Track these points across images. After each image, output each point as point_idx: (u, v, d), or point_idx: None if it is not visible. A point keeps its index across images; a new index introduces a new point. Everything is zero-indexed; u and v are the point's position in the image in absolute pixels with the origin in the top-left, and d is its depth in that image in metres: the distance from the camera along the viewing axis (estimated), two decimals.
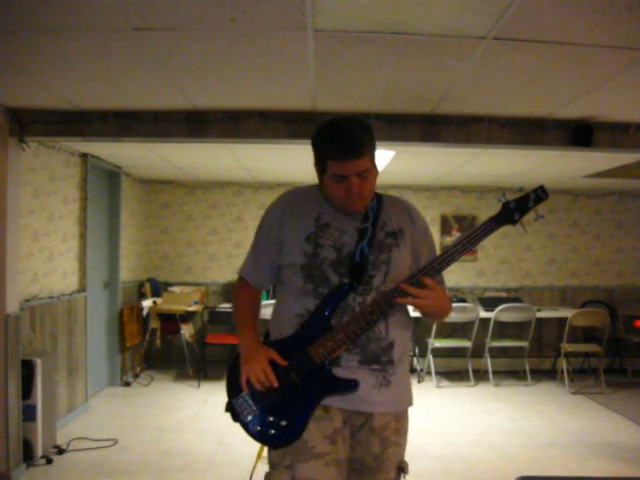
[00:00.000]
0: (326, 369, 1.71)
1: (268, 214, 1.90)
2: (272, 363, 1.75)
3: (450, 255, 1.71)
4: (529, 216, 1.76)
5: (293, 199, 1.88)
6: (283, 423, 1.72)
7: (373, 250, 1.77)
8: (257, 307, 1.97)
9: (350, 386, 1.71)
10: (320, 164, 1.75)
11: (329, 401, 1.72)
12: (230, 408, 1.83)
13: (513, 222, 1.75)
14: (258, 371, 1.74)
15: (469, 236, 1.72)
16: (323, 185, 1.78)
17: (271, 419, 1.74)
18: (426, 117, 3.55)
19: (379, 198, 1.88)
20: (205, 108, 3.48)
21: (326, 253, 1.75)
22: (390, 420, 1.79)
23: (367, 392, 1.73)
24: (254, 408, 1.77)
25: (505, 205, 1.76)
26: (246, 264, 1.94)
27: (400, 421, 1.83)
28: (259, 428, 1.76)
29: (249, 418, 1.77)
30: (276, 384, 1.72)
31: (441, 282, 1.85)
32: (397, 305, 1.71)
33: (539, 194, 1.75)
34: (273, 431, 1.73)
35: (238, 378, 1.80)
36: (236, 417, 1.81)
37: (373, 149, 1.75)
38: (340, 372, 1.72)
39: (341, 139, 1.68)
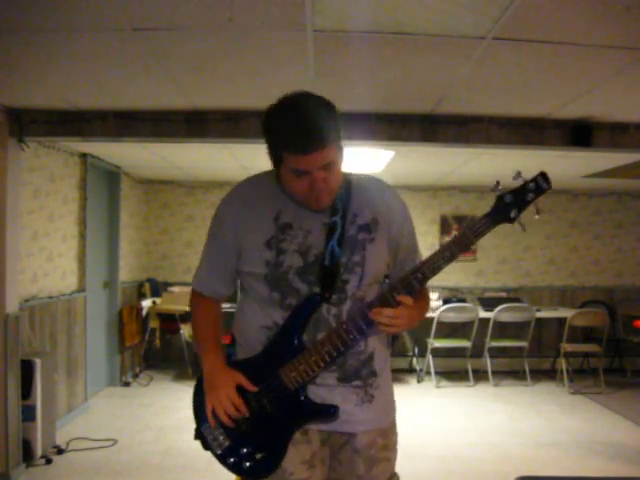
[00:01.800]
0: (301, 396, 1.51)
1: (220, 215, 1.62)
2: (240, 389, 1.54)
3: (435, 263, 1.46)
4: (529, 211, 1.50)
5: (248, 194, 1.60)
6: (258, 456, 1.53)
7: (345, 250, 1.52)
8: (218, 320, 1.73)
9: (329, 413, 1.52)
10: (274, 155, 1.47)
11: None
12: (200, 436, 1.62)
13: (510, 220, 1.47)
14: (225, 401, 1.53)
15: (458, 240, 1.47)
16: (280, 178, 1.51)
17: (245, 451, 1.54)
18: (426, 117, 3.55)
19: (348, 182, 1.59)
20: (205, 108, 3.48)
21: (290, 260, 1.51)
22: (376, 437, 1.60)
23: (348, 411, 1.55)
24: (225, 438, 1.57)
25: (499, 200, 1.47)
26: (199, 274, 1.69)
27: (388, 436, 1.64)
28: (232, 460, 1.56)
29: (220, 450, 1.58)
30: (246, 414, 1.53)
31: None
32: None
33: (540, 184, 1.46)
34: (248, 463, 1.54)
35: (203, 404, 1.60)
36: (207, 446, 1.61)
37: (339, 134, 1.45)
38: (318, 391, 1.53)
39: (300, 127, 1.38)
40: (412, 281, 1.47)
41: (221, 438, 1.57)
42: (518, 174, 1.47)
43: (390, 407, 1.68)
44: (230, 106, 3.46)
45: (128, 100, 3.34)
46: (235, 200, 1.61)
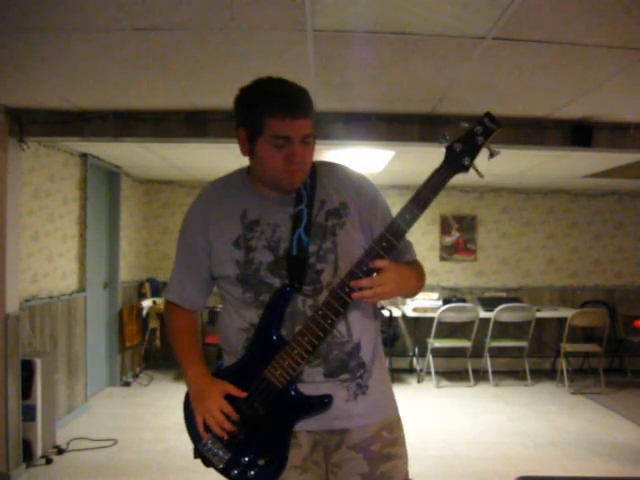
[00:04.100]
0: (291, 391, 1.46)
1: (189, 221, 1.61)
2: (229, 397, 1.49)
3: (398, 229, 1.42)
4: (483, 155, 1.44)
5: (214, 197, 1.60)
6: (261, 462, 1.48)
7: (314, 237, 1.48)
8: (196, 331, 1.71)
9: (324, 403, 1.46)
10: (254, 127, 1.45)
11: (297, 425, 1.49)
12: (199, 454, 1.56)
13: (464, 169, 1.44)
14: (215, 412, 1.48)
15: (415, 199, 1.44)
16: (255, 157, 1.49)
17: (246, 459, 1.49)
18: (426, 117, 3.55)
19: (312, 170, 1.56)
20: (205, 108, 3.48)
21: (261, 256, 1.48)
22: (380, 430, 1.52)
23: (339, 407, 1.48)
24: (225, 452, 1.51)
25: (449, 150, 1.44)
26: (173, 284, 1.67)
27: (395, 429, 1.56)
28: (236, 472, 1.50)
29: (222, 464, 1.51)
30: (239, 421, 1.48)
31: (407, 251, 1.60)
32: (352, 301, 1.42)
33: (487, 125, 1.42)
34: (252, 472, 1.49)
35: (195, 422, 1.55)
36: (208, 463, 1.54)
37: (314, 115, 1.48)
38: (305, 389, 1.46)
39: (287, 93, 1.41)
40: (378, 251, 1.40)
41: (221, 452, 1.52)
42: (463, 122, 1.44)
43: (390, 398, 1.61)
44: (230, 106, 3.43)
45: (128, 100, 3.34)
46: (202, 205, 1.60)
